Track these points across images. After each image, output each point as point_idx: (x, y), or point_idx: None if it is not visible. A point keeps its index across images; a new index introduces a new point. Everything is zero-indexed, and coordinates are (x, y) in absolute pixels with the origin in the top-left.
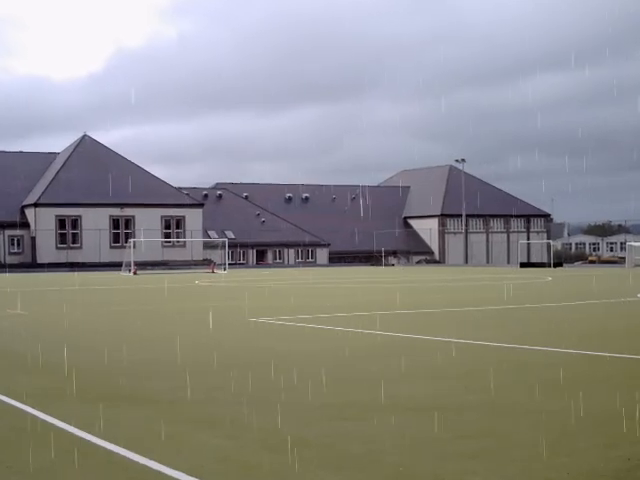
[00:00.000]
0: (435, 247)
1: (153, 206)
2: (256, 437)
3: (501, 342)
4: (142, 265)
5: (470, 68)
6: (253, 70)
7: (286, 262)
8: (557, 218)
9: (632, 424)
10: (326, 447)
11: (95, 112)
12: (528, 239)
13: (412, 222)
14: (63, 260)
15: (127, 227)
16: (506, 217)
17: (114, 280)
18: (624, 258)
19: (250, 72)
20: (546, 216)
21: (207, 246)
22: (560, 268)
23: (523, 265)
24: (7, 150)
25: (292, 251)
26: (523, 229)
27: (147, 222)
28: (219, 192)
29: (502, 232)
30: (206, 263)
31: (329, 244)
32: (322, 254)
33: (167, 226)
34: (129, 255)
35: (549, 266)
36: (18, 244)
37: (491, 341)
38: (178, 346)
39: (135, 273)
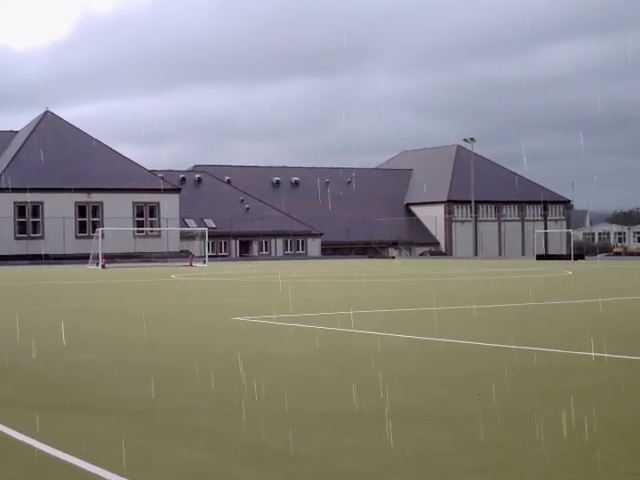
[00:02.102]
0: (441, 237)
1: (124, 191)
2: (240, 450)
3: (515, 344)
4: (111, 257)
5: (480, 36)
6: (237, 38)
7: (273, 254)
8: (578, 205)
9: None
10: (319, 461)
11: (59, 85)
12: (545, 228)
13: (415, 209)
14: (23, 252)
15: (95, 215)
16: (521, 204)
17: (80, 274)
18: None
19: (233, 41)
20: (566, 202)
21: (184, 236)
22: (581, 261)
23: (540, 257)
24: None
25: (280, 242)
26: (540, 217)
27: (117, 209)
28: (198, 176)
29: (516, 220)
30: (183, 255)
31: (322, 234)
32: (314, 245)
33: (139, 214)
34: (97, 246)
35: (569, 258)
36: None
37: (503, 343)
38: (151, 348)
39: (104, 266)
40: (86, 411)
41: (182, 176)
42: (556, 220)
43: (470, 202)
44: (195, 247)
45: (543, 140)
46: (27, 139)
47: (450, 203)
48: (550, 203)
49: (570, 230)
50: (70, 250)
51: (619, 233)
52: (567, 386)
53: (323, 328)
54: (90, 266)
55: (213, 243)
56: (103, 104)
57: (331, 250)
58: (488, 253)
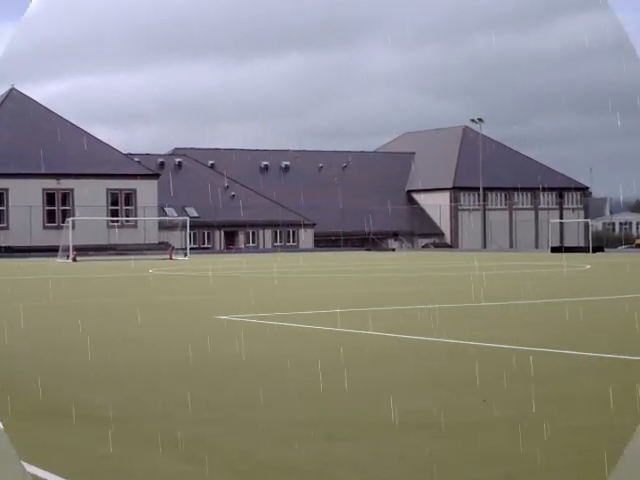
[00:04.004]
0: (446, 228)
1: (97, 177)
2: (225, 461)
3: (526, 345)
4: (83, 250)
5: (489, 7)
6: (222, 9)
7: (261, 246)
8: (597, 192)
9: None
10: (312, 474)
11: (25, 60)
12: (561, 218)
13: (417, 197)
14: None
15: (64, 203)
16: (534, 190)
17: (48, 268)
18: None
19: (218, 11)
20: (583, 189)
21: (164, 226)
22: (601, 253)
23: (555, 250)
24: None
25: (269, 232)
26: (555, 205)
27: (89, 196)
28: (178, 160)
29: (529, 209)
30: (162, 247)
31: (314, 224)
32: (306, 236)
33: (114, 202)
34: (67, 237)
35: (587, 251)
36: None
37: (514, 344)
38: (128, 350)
39: (74, 260)
40: (57, 419)
41: (161, 160)
42: (573, 209)
43: (478, 189)
44: (175, 238)
45: (558, 121)
46: None
47: (456, 190)
48: (566, 190)
49: (588, 220)
50: (37, 242)
51: None
52: (580, 391)
53: (316, 328)
54: (59, 259)
55: (195, 234)
56: (74, 81)
57: (325, 242)
58: (498, 245)
